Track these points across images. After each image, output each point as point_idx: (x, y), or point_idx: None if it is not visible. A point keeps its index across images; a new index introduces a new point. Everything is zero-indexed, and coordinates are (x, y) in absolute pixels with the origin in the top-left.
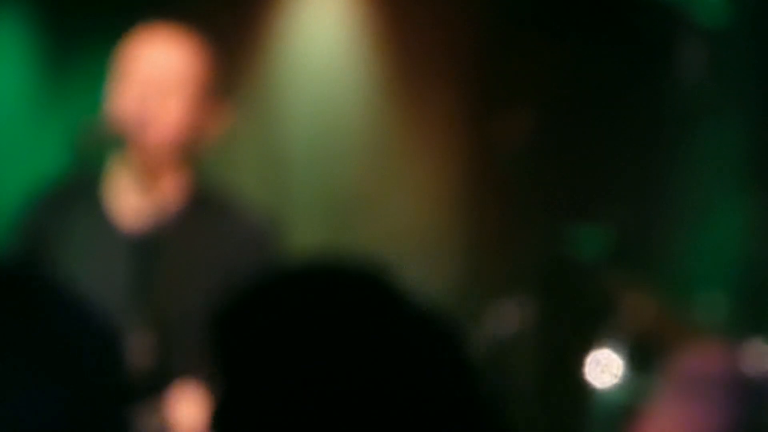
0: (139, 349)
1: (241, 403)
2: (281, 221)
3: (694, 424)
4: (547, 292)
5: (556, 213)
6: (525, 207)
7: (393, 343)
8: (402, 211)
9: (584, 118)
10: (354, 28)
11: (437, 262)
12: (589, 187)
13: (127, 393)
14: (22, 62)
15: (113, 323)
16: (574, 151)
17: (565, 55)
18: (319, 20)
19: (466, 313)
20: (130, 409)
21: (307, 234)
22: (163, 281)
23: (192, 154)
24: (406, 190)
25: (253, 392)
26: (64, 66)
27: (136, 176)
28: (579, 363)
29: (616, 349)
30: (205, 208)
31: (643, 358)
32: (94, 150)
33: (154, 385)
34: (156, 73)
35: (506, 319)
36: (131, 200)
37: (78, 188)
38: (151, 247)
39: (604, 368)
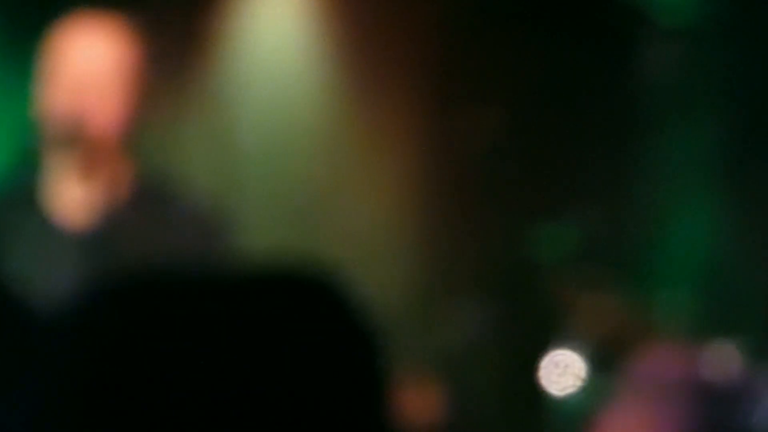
0: None
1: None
2: (233, 216)
3: (653, 426)
4: (507, 292)
5: (519, 212)
6: (486, 206)
7: (303, 351)
8: (359, 210)
9: (548, 116)
10: (312, 19)
11: (395, 262)
12: (553, 187)
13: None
14: None
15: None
16: (537, 151)
17: (530, 53)
18: (274, 10)
19: (424, 313)
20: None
21: (260, 232)
22: (110, 275)
23: (133, 145)
24: (364, 188)
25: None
26: None
27: (76, 173)
28: (539, 364)
29: (577, 351)
30: (151, 199)
31: (603, 360)
32: (31, 151)
33: None
34: (90, 66)
35: (466, 320)
36: (73, 197)
37: (14, 195)
38: (96, 242)
39: (565, 370)
